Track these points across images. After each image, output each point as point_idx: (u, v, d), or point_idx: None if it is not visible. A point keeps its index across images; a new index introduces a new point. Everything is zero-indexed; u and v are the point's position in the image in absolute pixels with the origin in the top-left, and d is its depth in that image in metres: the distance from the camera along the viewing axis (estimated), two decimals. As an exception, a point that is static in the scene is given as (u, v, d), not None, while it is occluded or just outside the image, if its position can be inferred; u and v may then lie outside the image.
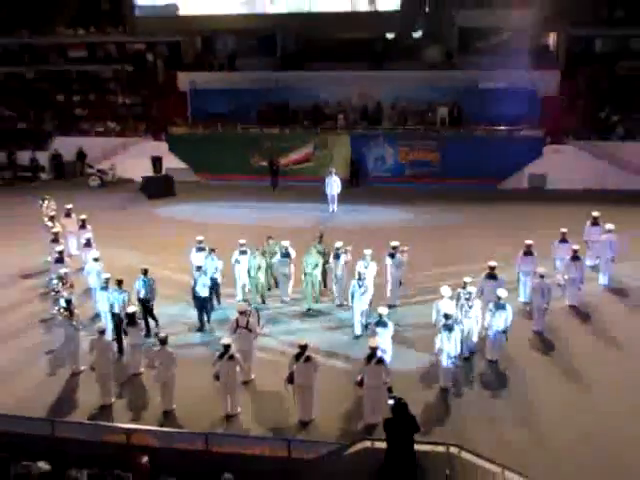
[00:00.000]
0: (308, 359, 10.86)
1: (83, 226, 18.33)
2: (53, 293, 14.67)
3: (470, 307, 12.50)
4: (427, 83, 28.72)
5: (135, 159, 28.71)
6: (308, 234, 17.65)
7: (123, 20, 33.33)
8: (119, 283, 13.50)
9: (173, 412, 11.32)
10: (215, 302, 15.21)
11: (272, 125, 29.21)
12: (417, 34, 29.62)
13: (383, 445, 8.67)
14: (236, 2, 30.30)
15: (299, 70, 30.43)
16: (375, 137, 28.40)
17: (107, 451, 9.28)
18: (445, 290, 12.83)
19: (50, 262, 16.13)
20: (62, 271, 14.77)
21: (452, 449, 8.65)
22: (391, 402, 8.84)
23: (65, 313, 12.87)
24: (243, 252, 15.51)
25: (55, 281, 14.71)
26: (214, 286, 14.88)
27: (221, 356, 11.03)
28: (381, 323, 11.96)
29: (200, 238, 16.22)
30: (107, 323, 13.44)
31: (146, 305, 13.98)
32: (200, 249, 15.83)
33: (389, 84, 29.16)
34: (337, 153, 28.36)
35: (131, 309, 12.66)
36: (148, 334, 13.65)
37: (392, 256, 15.18)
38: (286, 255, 15.53)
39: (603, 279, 16.44)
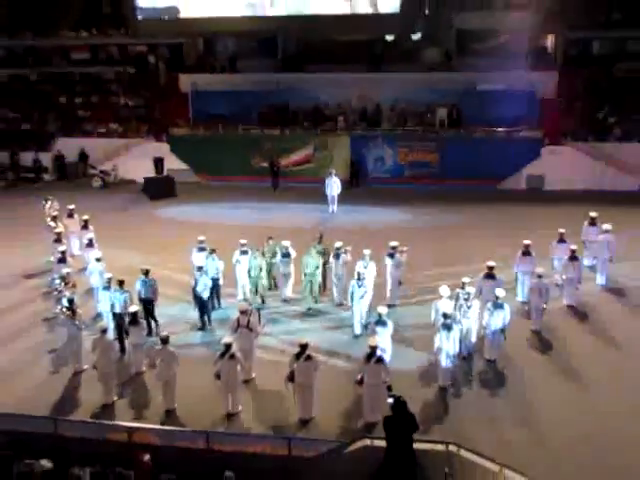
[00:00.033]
0: (308, 358, 10.85)
1: (85, 226, 18.33)
2: (56, 293, 14.67)
3: (469, 307, 12.49)
4: (426, 85, 28.71)
5: (137, 160, 28.71)
6: (308, 234, 17.64)
7: (125, 22, 33.35)
8: (120, 283, 13.49)
9: (174, 411, 11.31)
10: (215, 303, 15.18)
11: (273, 126, 29.21)
12: (416, 36, 29.63)
13: (383, 443, 8.69)
14: (237, 5, 30.27)
15: (299, 72, 30.46)
16: (374, 138, 28.40)
17: (109, 449, 9.28)
18: (444, 290, 12.84)
19: (53, 262, 16.13)
20: (64, 271, 14.76)
21: (451, 447, 8.66)
22: (390, 401, 8.85)
23: (67, 312, 12.87)
24: (244, 252, 15.50)
25: (58, 281, 14.70)
26: (215, 287, 14.85)
27: (222, 355, 11.03)
28: (381, 322, 11.96)
29: (201, 238, 16.21)
30: (109, 323, 13.44)
31: (147, 305, 13.95)
32: (201, 249, 15.82)
33: (388, 86, 29.17)
34: (337, 154, 28.36)
35: (133, 308, 12.67)
36: (150, 333, 13.65)
37: (391, 256, 15.18)
38: (286, 255, 15.54)
39: (600, 279, 16.44)
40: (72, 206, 19.51)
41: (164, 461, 8.62)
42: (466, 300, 12.48)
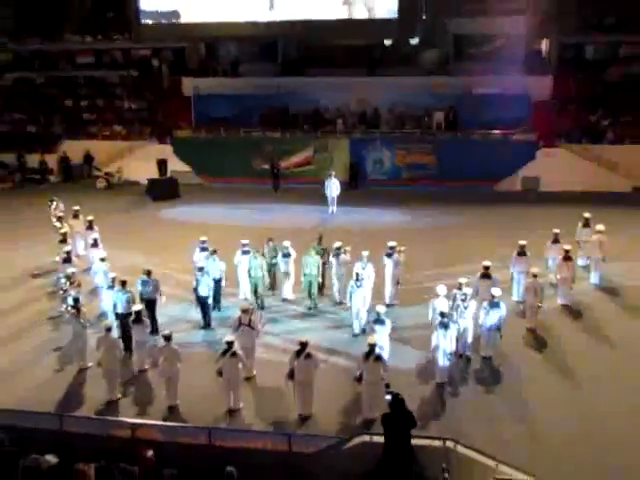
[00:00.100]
0: (308, 356, 10.85)
1: (90, 227, 18.29)
2: (61, 292, 14.68)
3: (465, 308, 12.46)
4: (424, 89, 28.76)
5: (141, 162, 28.72)
6: (308, 235, 17.64)
7: (129, 27, 33.30)
8: (123, 283, 13.45)
9: (177, 407, 11.30)
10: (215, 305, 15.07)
11: (273, 129, 29.25)
12: (414, 41, 29.62)
13: (381, 439, 8.68)
14: (239, 10, 30.23)
15: (300, 76, 30.50)
16: (373, 141, 28.41)
17: (113, 445, 9.26)
18: (441, 289, 12.83)
19: (58, 262, 16.11)
20: (70, 270, 14.75)
21: (448, 443, 8.65)
22: (389, 398, 8.84)
23: (73, 311, 12.86)
24: (245, 252, 15.49)
25: (63, 280, 14.70)
26: (216, 288, 14.72)
27: (224, 353, 11.03)
28: (379, 321, 11.95)
29: (203, 238, 16.19)
30: (113, 321, 13.41)
31: (149, 305, 13.88)
32: (203, 249, 15.80)
33: (387, 90, 29.17)
34: (336, 156, 28.37)
35: (137, 307, 12.66)
36: (153, 332, 13.60)
37: (389, 256, 15.17)
38: (287, 255, 15.53)
39: (594, 278, 16.44)
40: (77, 207, 19.49)
41: (167, 456, 8.60)
42: (463, 301, 12.46)
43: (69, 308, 13.24)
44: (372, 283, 14.60)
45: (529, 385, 11.84)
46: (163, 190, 26.97)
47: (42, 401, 11.27)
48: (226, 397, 11.17)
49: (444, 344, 11.57)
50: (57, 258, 16.30)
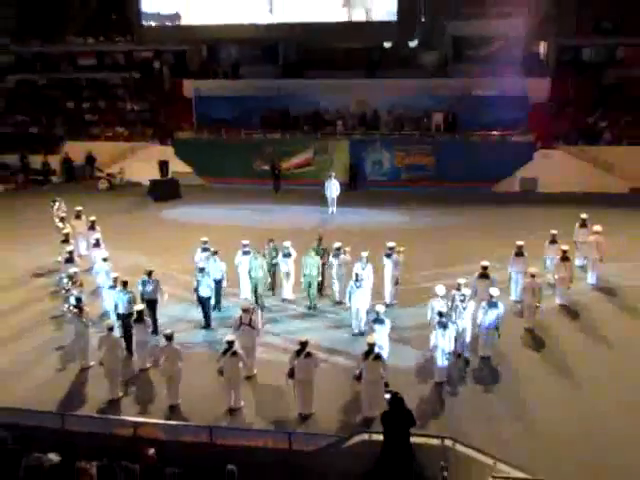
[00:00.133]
0: (308, 355, 10.86)
1: (92, 227, 18.30)
2: (63, 291, 14.66)
3: (464, 309, 12.45)
4: (423, 91, 28.73)
5: (142, 163, 28.68)
6: (308, 235, 17.63)
7: (131, 29, 33.31)
8: (124, 284, 13.44)
9: (179, 406, 11.30)
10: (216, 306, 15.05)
11: (274, 131, 29.24)
12: (413, 43, 29.64)
13: (380, 438, 8.68)
14: (239, 13, 30.24)
15: (300, 78, 30.51)
16: (373, 142, 28.41)
17: (115, 443, 9.27)
18: (440, 289, 12.83)
19: (60, 262, 16.11)
20: (72, 270, 14.73)
21: (447, 442, 8.67)
22: (388, 396, 8.84)
23: (75, 311, 12.87)
24: (246, 252, 15.49)
25: (65, 280, 14.69)
26: (217, 288, 14.71)
27: (225, 352, 11.04)
28: (378, 320, 11.96)
29: (205, 239, 16.19)
30: (115, 321, 13.40)
31: (150, 305, 13.86)
32: (205, 249, 15.80)
33: (386, 92, 29.16)
34: (336, 158, 28.35)
35: (139, 307, 12.66)
36: (153, 332, 13.59)
37: (389, 256, 15.18)
38: (287, 255, 15.53)
39: (591, 279, 16.44)
40: (79, 208, 19.49)
41: (169, 455, 8.60)
42: (462, 301, 12.45)
43: (71, 308, 13.26)
44: (371, 283, 14.59)
45: (527, 384, 11.84)
46: (164, 191, 26.96)
47: (44, 400, 11.28)
48: (227, 396, 11.17)
49: (443, 344, 11.57)
50: (59, 258, 16.30)
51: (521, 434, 10.31)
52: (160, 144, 30.21)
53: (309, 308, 15.20)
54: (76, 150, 30.88)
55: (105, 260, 15.50)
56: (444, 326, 11.57)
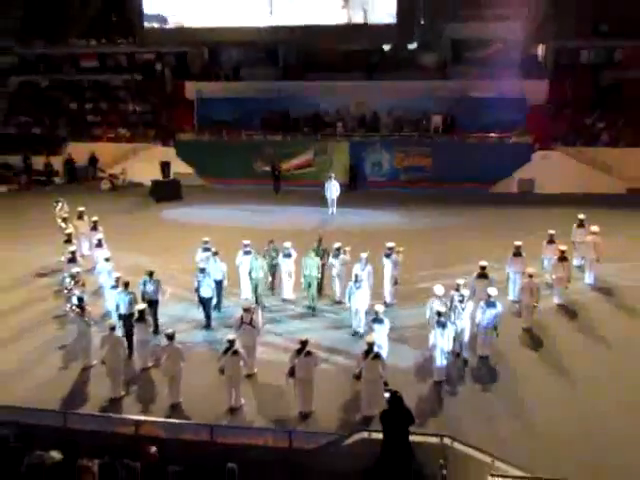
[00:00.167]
0: (309, 354, 10.85)
1: (95, 227, 18.29)
2: (66, 291, 14.66)
3: (463, 309, 12.43)
4: (422, 93, 28.75)
5: (144, 164, 28.72)
6: (309, 236, 17.63)
7: (133, 32, 33.35)
8: (126, 285, 13.41)
9: (180, 405, 11.29)
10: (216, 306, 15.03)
11: (274, 132, 29.28)
12: (412, 46, 29.66)
13: (380, 436, 8.67)
14: (240, 15, 30.26)
15: (300, 80, 30.52)
16: (372, 144, 28.44)
17: (117, 442, 9.26)
18: (438, 289, 12.81)
19: (63, 262, 16.11)
20: (74, 270, 14.71)
21: (445, 440, 8.66)
22: (387, 395, 8.83)
23: (77, 310, 12.85)
24: (247, 252, 15.48)
25: (68, 280, 14.68)
26: (218, 289, 14.66)
27: (226, 351, 11.03)
28: (377, 320, 11.94)
29: (206, 239, 16.18)
30: (116, 321, 13.38)
31: (151, 305, 13.83)
32: (206, 249, 15.79)
33: (385, 94, 29.18)
34: (336, 159, 28.39)
35: (140, 306, 12.64)
36: (154, 332, 13.58)
37: (388, 256, 15.17)
38: (288, 255, 15.52)
39: (589, 278, 16.43)
40: (82, 208, 19.49)
41: (170, 453, 8.59)
42: (460, 302, 12.43)
43: (74, 307, 13.25)
44: (371, 283, 14.58)
45: (525, 384, 11.82)
46: (166, 191, 26.98)
47: (47, 398, 11.26)
48: (228, 395, 11.16)
49: (441, 343, 11.56)
50: (62, 258, 16.30)
51: (519, 433, 10.30)
52: (162, 145, 30.27)
53: (308, 307, 15.18)
54: (79, 151, 30.95)
55: (107, 260, 15.49)
56: (443, 325, 11.55)
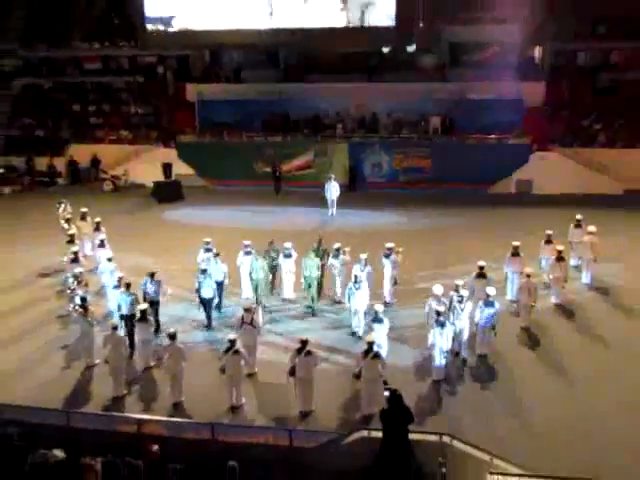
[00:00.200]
0: (309, 353, 10.84)
1: (97, 228, 18.29)
2: (69, 291, 14.67)
3: (462, 310, 12.42)
4: (421, 95, 28.79)
5: (146, 165, 28.74)
6: (309, 236, 17.61)
7: (135, 35, 33.39)
8: (127, 286, 13.39)
9: (182, 404, 11.28)
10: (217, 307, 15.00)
11: (275, 134, 29.28)
12: (411, 48, 29.67)
13: (379, 434, 8.67)
14: (241, 18, 30.26)
15: (300, 82, 30.53)
16: (372, 145, 28.43)
17: (119, 440, 9.26)
18: (437, 288, 12.81)
19: (66, 262, 16.10)
20: (77, 270, 14.72)
21: (444, 438, 8.66)
22: (387, 394, 8.83)
23: (80, 310, 12.84)
24: (248, 253, 15.47)
25: (71, 280, 14.68)
26: (218, 290, 14.64)
27: (227, 350, 11.02)
28: (377, 320, 11.93)
29: (207, 239, 16.17)
30: (118, 320, 13.37)
31: (153, 306, 13.79)
32: (207, 250, 15.79)
33: (385, 95, 29.20)
34: (336, 160, 28.38)
35: (142, 306, 12.64)
36: (157, 331, 13.58)
37: (387, 256, 15.16)
38: (288, 256, 15.50)
39: (586, 278, 16.42)
40: (84, 209, 19.49)
41: (171, 451, 8.59)
42: (459, 302, 12.42)
43: (77, 307, 13.23)
44: (371, 285, 14.53)
45: (523, 382, 11.82)
46: (168, 192, 26.98)
47: (50, 397, 11.25)
48: (229, 393, 11.15)
49: (440, 342, 11.55)
50: (65, 258, 16.29)
51: (517, 431, 10.29)
52: (164, 147, 30.29)
53: (308, 307, 15.16)
54: (81, 152, 30.99)
55: (110, 260, 15.50)
56: (442, 325, 11.55)
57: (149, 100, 33.02)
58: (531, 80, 28.48)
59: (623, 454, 9.58)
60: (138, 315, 12.51)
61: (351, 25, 29.73)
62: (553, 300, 15.21)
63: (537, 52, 31.06)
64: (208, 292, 14.04)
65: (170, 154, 29.10)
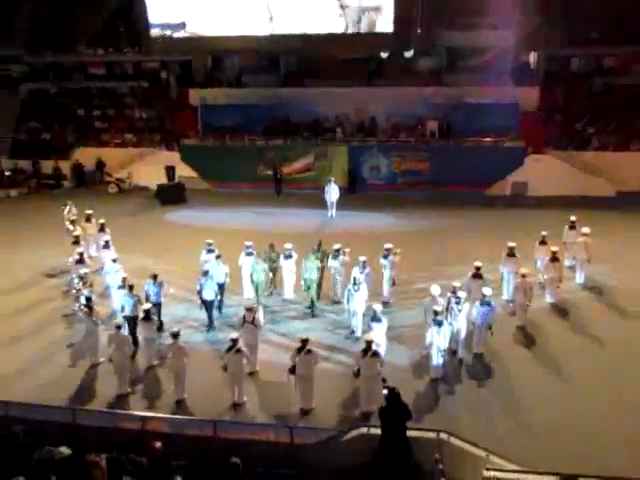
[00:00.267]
0: (309, 352, 10.83)
1: (102, 230, 18.30)
2: (74, 291, 14.67)
3: (459, 311, 12.41)
4: (418, 99, 28.78)
5: (150, 168, 28.71)
6: (309, 238, 17.60)
7: (139, 41, 33.43)
8: (130, 288, 13.37)
9: (184, 401, 11.29)
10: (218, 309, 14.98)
11: (276, 137, 29.28)
12: (409, 53, 29.70)
13: (378, 431, 8.66)
14: (241, 23, 30.27)
15: (301, 87, 30.54)
16: (370, 148, 28.42)
17: (124, 437, 9.26)
18: (435, 288, 12.81)
19: (71, 263, 16.10)
20: (82, 271, 14.72)
21: (442, 435, 8.66)
22: (385, 392, 8.83)
23: (85, 310, 12.86)
24: (249, 254, 15.46)
25: (76, 280, 14.69)
26: (220, 292, 14.62)
27: (229, 349, 11.01)
28: (376, 319, 11.92)
29: (210, 241, 16.17)
30: (122, 320, 13.35)
31: (155, 307, 13.76)
32: (210, 251, 15.78)
33: (383, 100, 29.23)
34: (336, 163, 28.38)
35: (146, 306, 12.64)
36: (159, 330, 13.54)
37: (385, 257, 15.15)
38: (289, 257, 15.49)
39: (580, 278, 16.42)
40: (90, 211, 19.51)
41: (175, 448, 8.58)
42: (457, 304, 12.40)
43: (82, 307, 13.24)
44: (370, 286, 14.50)
45: (519, 380, 11.81)
46: (171, 195, 26.97)
47: (56, 395, 11.25)
48: (231, 391, 11.15)
49: (438, 341, 11.55)
50: (70, 259, 16.29)
51: (513, 427, 10.29)
52: (167, 150, 30.28)
53: (308, 307, 15.15)
54: (86, 156, 31.01)
55: (114, 261, 15.50)
56: (439, 324, 11.54)
57: (153, 105, 33.04)
58: (526, 85, 28.52)
59: (622, 452, 9.57)
60: (142, 315, 12.51)
61: (350, 31, 29.76)
62: (548, 300, 15.21)
63: (532, 57, 31.08)
64: (210, 294, 14.01)
65: (173, 157, 29.10)
